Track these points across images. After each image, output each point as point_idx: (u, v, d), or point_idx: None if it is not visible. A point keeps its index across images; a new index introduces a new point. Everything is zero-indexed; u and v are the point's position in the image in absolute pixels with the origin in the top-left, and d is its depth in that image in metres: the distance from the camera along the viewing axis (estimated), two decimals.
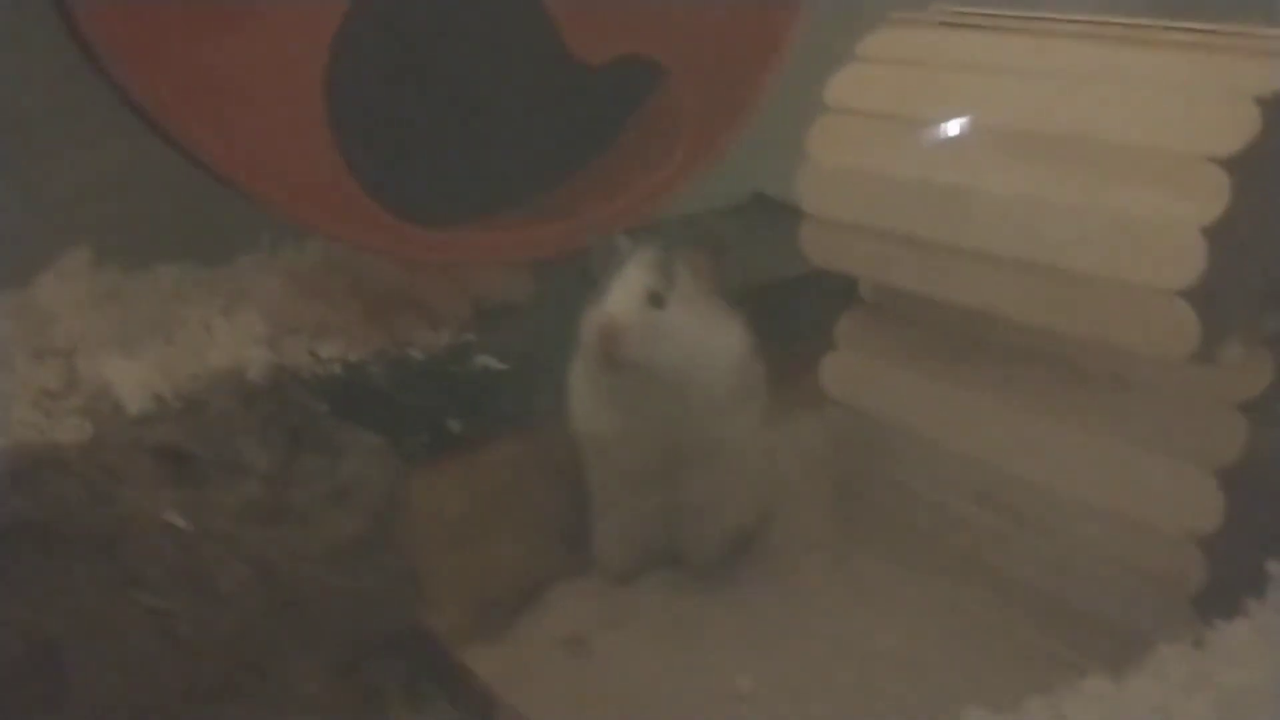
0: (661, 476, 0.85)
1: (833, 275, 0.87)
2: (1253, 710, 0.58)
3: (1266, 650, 0.61)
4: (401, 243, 0.96)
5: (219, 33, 0.89)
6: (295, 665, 0.54)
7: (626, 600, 0.89)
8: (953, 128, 0.76)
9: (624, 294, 0.78)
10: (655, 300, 0.79)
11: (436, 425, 0.91)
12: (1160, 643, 0.62)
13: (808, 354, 0.93)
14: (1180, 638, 0.65)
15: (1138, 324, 0.65)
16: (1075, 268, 0.68)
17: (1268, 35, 0.66)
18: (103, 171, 1.09)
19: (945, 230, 0.75)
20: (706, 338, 0.82)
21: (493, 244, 1.02)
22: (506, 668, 0.84)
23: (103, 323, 0.98)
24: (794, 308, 1.03)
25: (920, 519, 0.85)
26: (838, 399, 0.90)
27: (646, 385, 0.79)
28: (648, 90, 1.12)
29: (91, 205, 1.08)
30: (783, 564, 0.91)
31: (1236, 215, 0.63)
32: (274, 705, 0.53)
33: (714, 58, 1.08)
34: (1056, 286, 0.69)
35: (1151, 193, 0.64)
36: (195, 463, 0.58)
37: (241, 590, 0.52)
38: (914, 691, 0.77)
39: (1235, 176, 0.62)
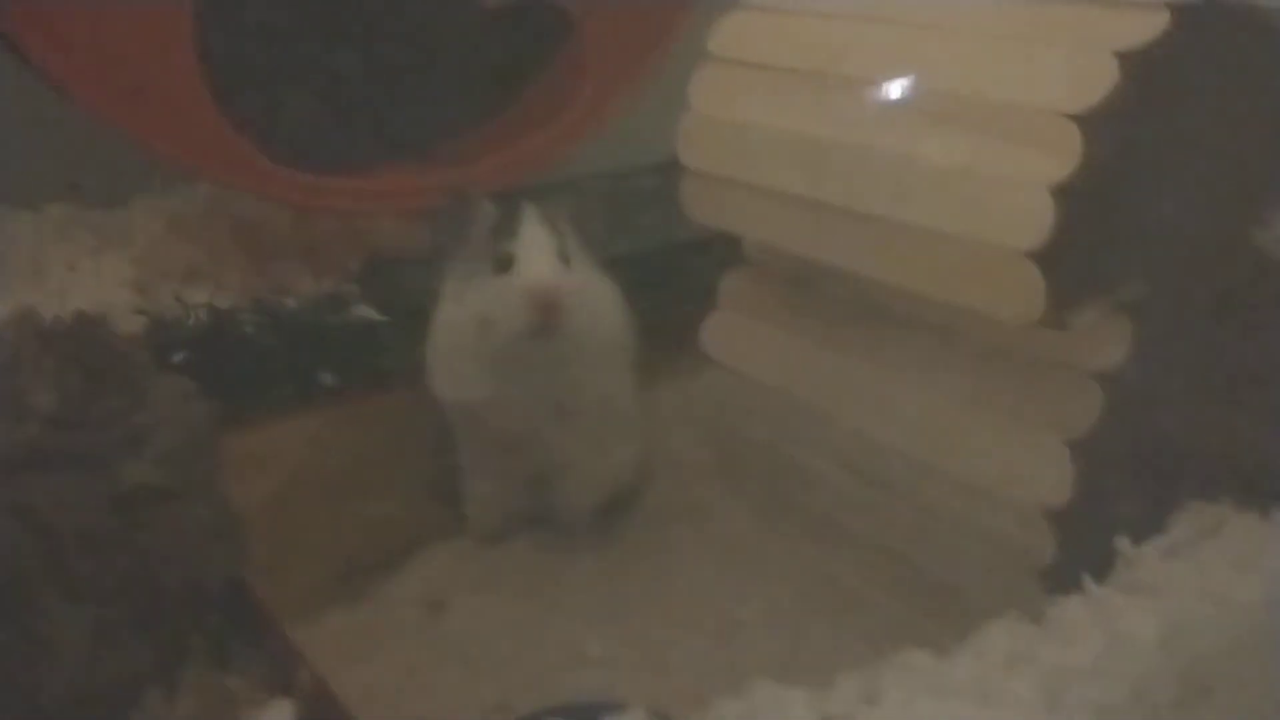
0: (534, 439, 0.83)
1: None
2: (1073, 690, 0.56)
3: (1097, 630, 0.58)
4: (272, 186, 0.93)
5: None
6: (57, 616, 0.51)
7: (494, 562, 0.87)
8: (824, 79, 0.73)
9: (544, 257, 0.74)
10: (564, 260, 0.76)
11: (305, 376, 0.89)
12: (989, 619, 0.59)
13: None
14: (1027, 612, 0.63)
15: (987, 285, 0.62)
16: (928, 225, 0.65)
17: None
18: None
19: (811, 185, 0.72)
20: (600, 295, 0.80)
21: (375, 191, 0.99)
22: (364, 629, 0.82)
23: None
24: (699, 269, 1.00)
25: (792, 484, 0.83)
26: (716, 360, 0.87)
27: (560, 349, 0.75)
28: (556, 43, 1.08)
29: None
30: (655, 528, 0.88)
31: (1092, 175, 0.60)
32: (29, 655, 0.50)
33: (622, 9, 1.05)
34: (912, 245, 0.66)
35: (1003, 149, 0.61)
36: None
37: None
38: (760, 661, 0.74)
39: (1090, 134, 0.59)
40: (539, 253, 0.74)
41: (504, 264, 0.75)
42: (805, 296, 0.81)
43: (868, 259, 0.70)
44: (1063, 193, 0.59)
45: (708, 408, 0.89)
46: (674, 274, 1.02)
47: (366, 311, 0.93)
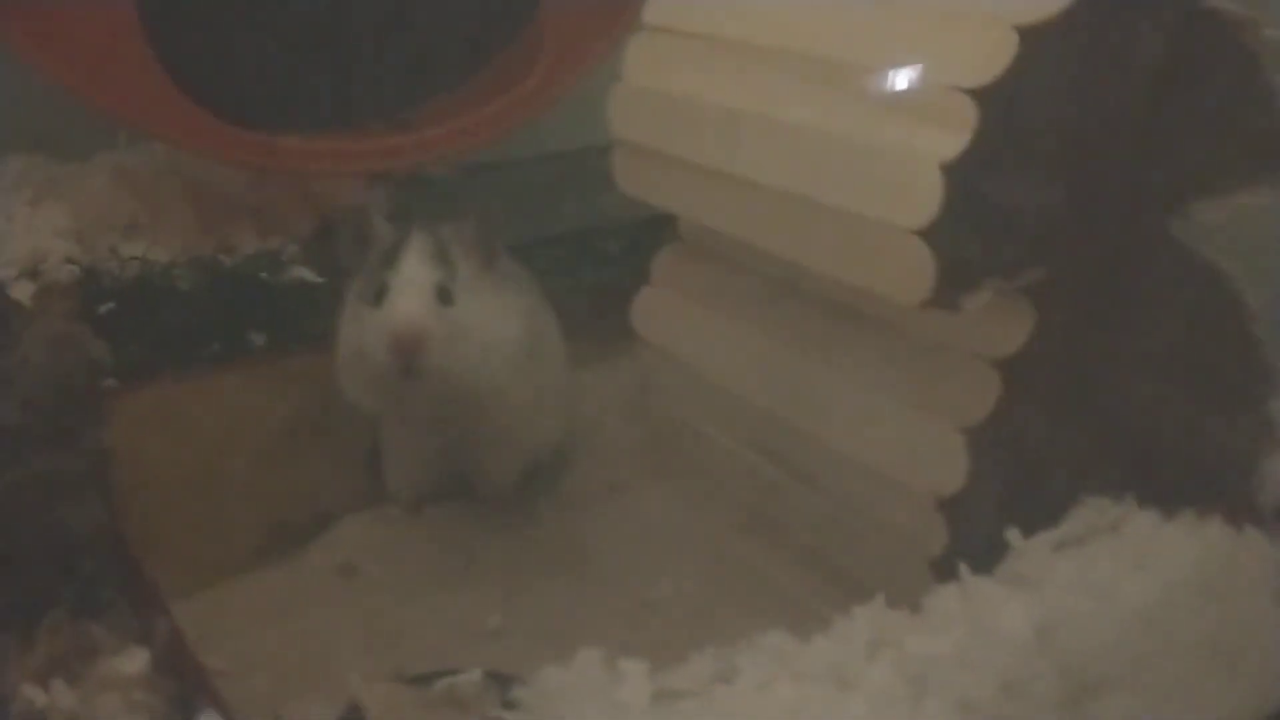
0: (441, 429, 0.82)
1: None
2: (934, 678, 0.54)
3: (965, 619, 0.57)
4: (217, 143, 0.93)
5: None
6: None
7: (413, 531, 0.87)
8: (743, 50, 0.71)
9: (413, 297, 0.72)
10: (444, 296, 0.73)
11: (234, 334, 0.88)
12: (853, 605, 0.58)
13: None
14: (914, 602, 0.61)
15: (878, 264, 0.61)
16: (825, 200, 0.63)
17: None
18: None
19: (726, 158, 0.71)
20: (495, 322, 0.76)
21: (328, 153, 0.98)
22: (278, 593, 0.82)
23: None
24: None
25: (711, 467, 0.82)
26: (645, 338, 0.86)
27: (439, 383, 0.74)
28: (523, 15, 1.07)
29: None
30: (576, 506, 0.87)
31: (986, 152, 0.58)
32: None
33: None
34: (812, 221, 0.65)
35: (897, 123, 0.60)
36: None
37: None
38: (659, 640, 0.73)
39: (985, 110, 0.57)
40: (410, 293, 0.72)
41: (379, 296, 0.73)
42: (729, 275, 0.79)
43: (775, 235, 0.69)
44: (954, 170, 0.57)
45: (635, 386, 0.87)
46: (628, 251, 1.01)
47: (304, 273, 0.93)
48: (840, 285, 0.66)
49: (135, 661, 0.57)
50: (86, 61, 0.88)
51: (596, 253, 1.03)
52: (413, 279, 0.72)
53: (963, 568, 0.59)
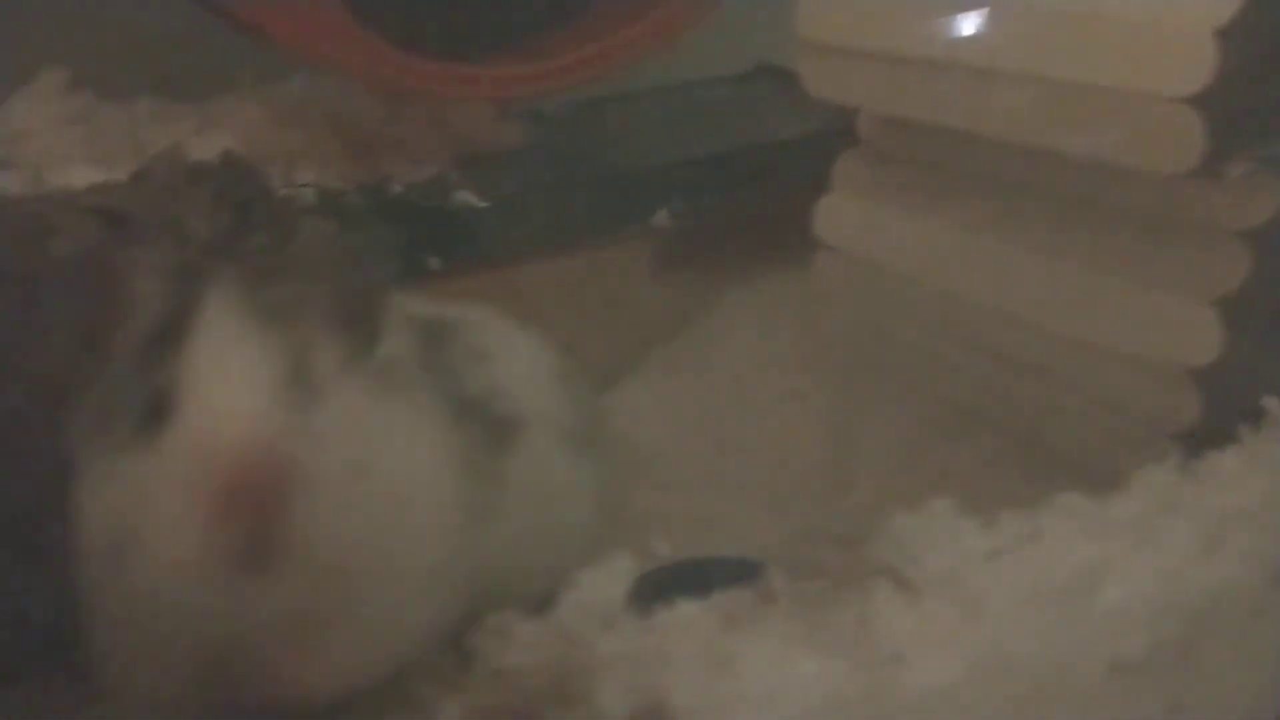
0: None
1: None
2: (1234, 532, 0.55)
3: (1257, 477, 0.58)
4: (403, 73, 0.92)
5: None
6: None
7: None
8: None
9: (239, 383, 0.39)
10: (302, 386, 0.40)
11: (412, 257, 0.89)
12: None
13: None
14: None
15: (1140, 136, 0.61)
16: (1077, 78, 0.64)
17: None
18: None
19: (943, 48, 0.71)
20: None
21: (451, 77, 0.98)
22: None
23: (74, 141, 0.95)
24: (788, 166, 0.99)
25: (909, 366, 0.82)
26: (830, 244, 0.86)
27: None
28: None
29: (78, 34, 1.05)
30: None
31: (1253, 19, 0.58)
32: None
33: None
34: (1056, 100, 0.65)
35: None
36: (133, 225, 0.55)
37: None
38: None
39: None
40: (230, 376, 0.39)
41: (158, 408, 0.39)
42: (927, 174, 0.80)
43: (1009, 122, 0.69)
44: (1226, 35, 0.58)
45: (820, 291, 0.88)
46: (762, 172, 1.01)
47: (468, 197, 0.93)
48: (1073, 168, 0.67)
49: None
50: None
51: (741, 175, 1.03)
52: (234, 355, 0.40)
53: (1244, 429, 0.60)
